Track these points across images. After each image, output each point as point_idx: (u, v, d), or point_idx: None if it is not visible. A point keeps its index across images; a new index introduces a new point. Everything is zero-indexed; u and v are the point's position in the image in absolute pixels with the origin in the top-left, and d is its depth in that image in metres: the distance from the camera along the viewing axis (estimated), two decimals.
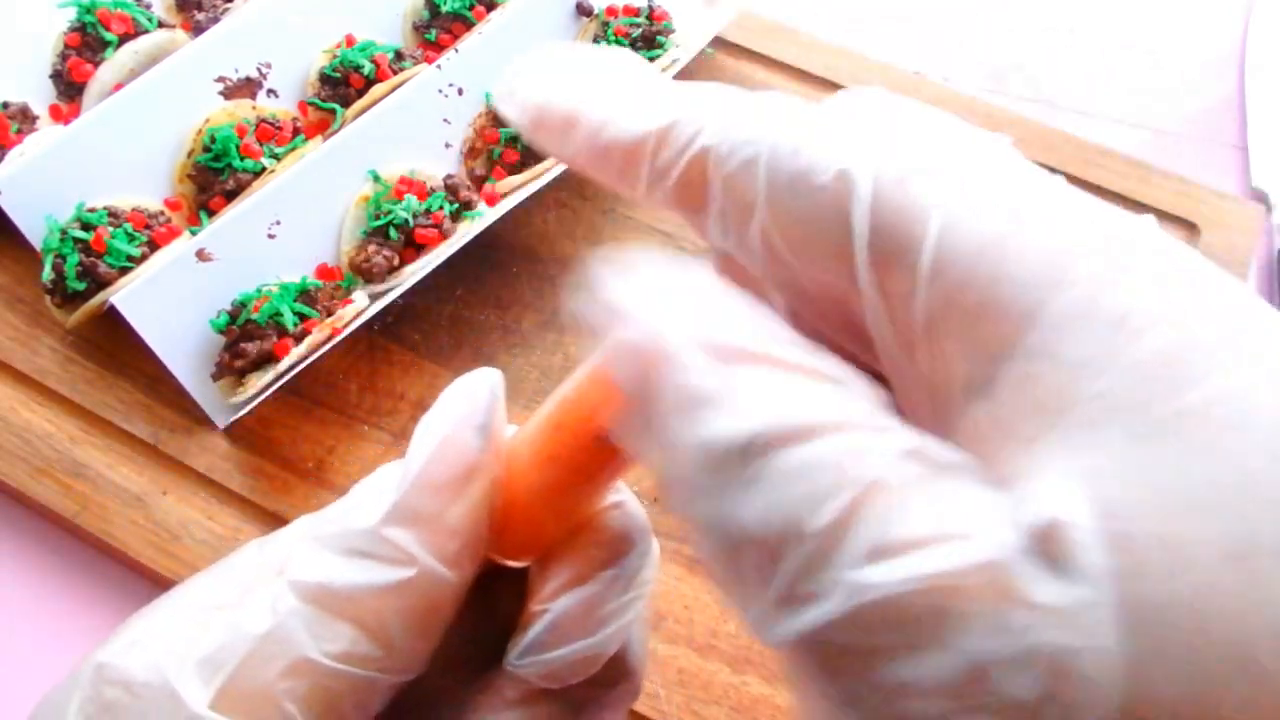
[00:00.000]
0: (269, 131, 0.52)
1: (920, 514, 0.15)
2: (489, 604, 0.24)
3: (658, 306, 0.17)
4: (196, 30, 0.55)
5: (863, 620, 0.15)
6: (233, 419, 0.47)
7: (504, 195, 0.53)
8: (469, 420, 0.22)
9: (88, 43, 0.54)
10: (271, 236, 0.49)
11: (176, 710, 0.21)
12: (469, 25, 0.56)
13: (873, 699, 0.15)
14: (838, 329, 0.19)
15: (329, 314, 0.48)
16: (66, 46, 0.54)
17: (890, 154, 0.17)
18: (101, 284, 0.48)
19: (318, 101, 0.54)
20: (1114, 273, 0.16)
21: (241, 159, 0.51)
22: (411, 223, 0.49)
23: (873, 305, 0.17)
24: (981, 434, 0.16)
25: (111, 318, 0.47)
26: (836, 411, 0.16)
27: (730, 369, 0.16)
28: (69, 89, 0.54)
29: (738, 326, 0.17)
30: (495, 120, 0.54)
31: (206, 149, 0.51)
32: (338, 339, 0.47)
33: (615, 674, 0.24)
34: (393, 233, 0.49)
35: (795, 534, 0.15)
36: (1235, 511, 0.14)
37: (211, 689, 0.21)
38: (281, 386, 0.47)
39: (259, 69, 0.54)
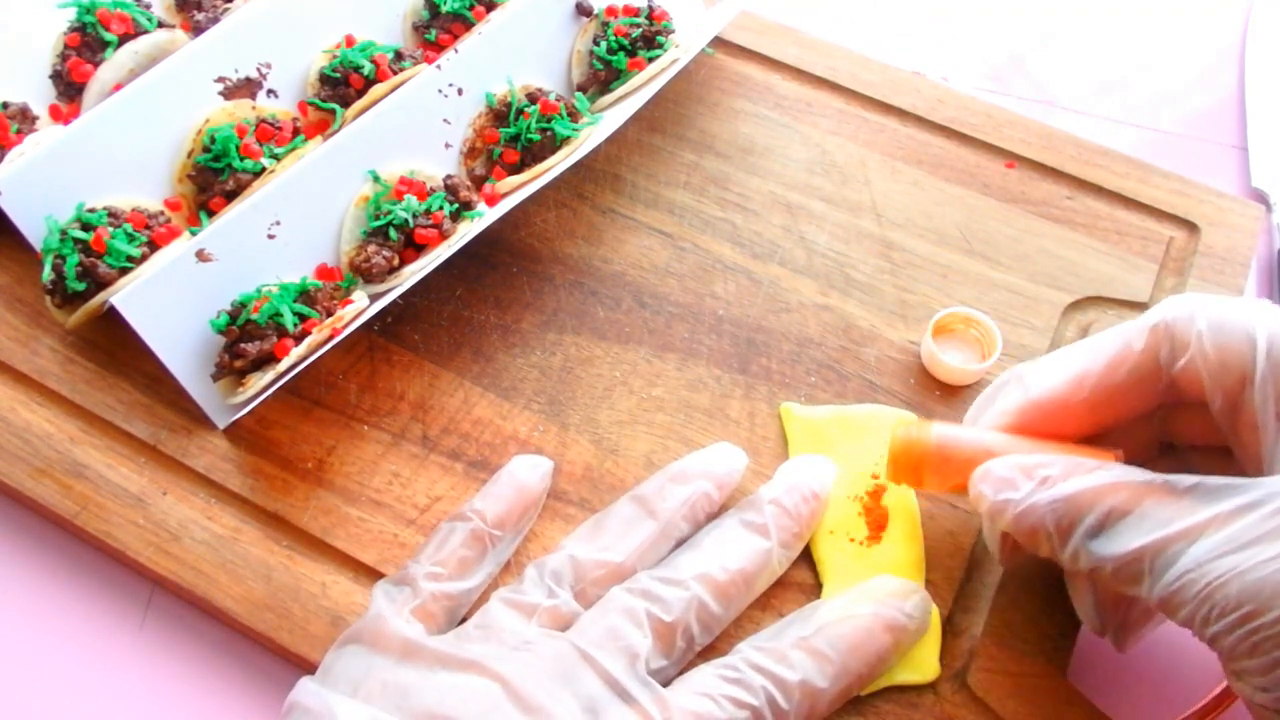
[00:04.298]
0: (269, 131, 0.52)
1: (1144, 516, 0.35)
2: None
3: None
4: (196, 30, 0.55)
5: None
6: (232, 419, 0.47)
7: (504, 195, 0.53)
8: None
9: (88, 43, 0.54)
10: (271, 237, 0.49)
11: None
12: (469, 25, 0.56)
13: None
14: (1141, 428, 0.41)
15: (329, 314, 0.48)
16: (66, 46, 0.54)
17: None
18: (101, 284, 0.48)
19: (318, 101, 0.54)
20: None
21: (241, 159, 0.51)
22: (411, 223, 0.49)
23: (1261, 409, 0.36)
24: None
25: (111, 318, 0.47)
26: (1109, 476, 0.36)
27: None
28: (69, 89, 0.54)
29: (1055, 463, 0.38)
30: (495, 120, 0.54)
31: (206, 149, 0.51)
32: (338, 339, 0.47)
33: None
34: (392, 233, 0.49)
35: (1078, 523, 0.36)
36: None
37: None
38: (281, 386, 0.47)
39: (259, 69, 0.54)
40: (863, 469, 0.46)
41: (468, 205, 0.52)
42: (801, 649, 0.39)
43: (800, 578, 0.44)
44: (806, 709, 0.38)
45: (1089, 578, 0.39)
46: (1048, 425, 0.40)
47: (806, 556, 0.44)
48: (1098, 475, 0.36)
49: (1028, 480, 0.37)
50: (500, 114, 0.54)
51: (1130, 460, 0.38)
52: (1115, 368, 0.38)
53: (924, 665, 0.41)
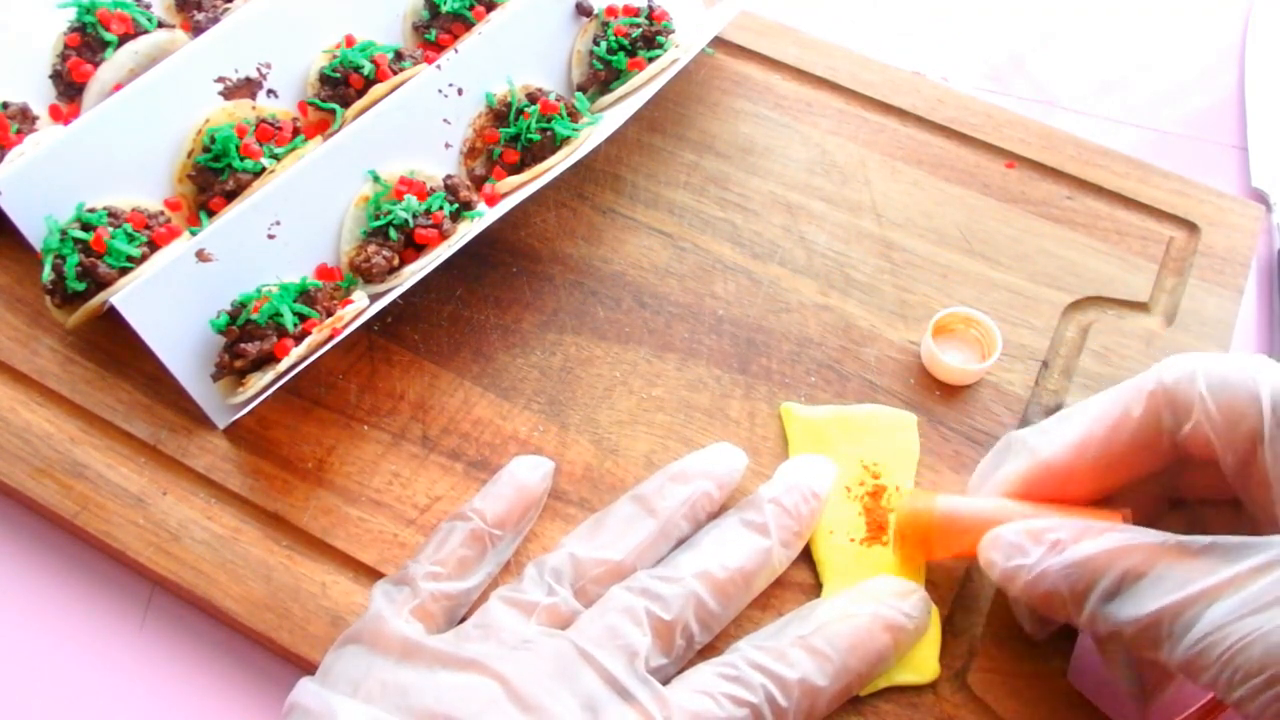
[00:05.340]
0: (269, 132, 0.52)
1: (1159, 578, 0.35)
2: None
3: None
4: (196, 30, 0.55)
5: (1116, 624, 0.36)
6: (232, 419, 0.47)
7: (504, 195, 0.53)
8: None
9: (88, 43, 0.54)
10: (271, 237, 0.49)
11: None
12: (469, 25, 0.56)
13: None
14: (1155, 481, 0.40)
15: (329, 314, 0.48)
16: (66, 46, 0.54)
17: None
18: (101, 284, 0.48)
19: (318, 101, 0.54)
20: None
21: (241, 159, 0.51)
22: (411, 223, 0.49)
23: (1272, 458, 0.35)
24: None
25: (111, 318, 0.47)
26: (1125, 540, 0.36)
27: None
28: (69, 89, 0.54)
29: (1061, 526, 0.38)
30: (495, 120, 0.54)
31: (206, 149, 0.51)
32: (338, 339, 0.47)
33: None
34: (392, 233, 0.49)
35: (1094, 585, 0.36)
36: None
37: None
38: (281, 386, 0.47)
39: (259, 69, 0.54)
40: (863, 469, 0.46)
41: (468, 205, 0.52)
42: (801, 647, 0.39)
43: (800, 578, 0.44)
44: (806, 707, 0.38)
45: (1118, 644, 0.38)
46: (1054, 490, 0.39)
47: (806, 556, 0.44)
48: (1109, 538, 0.36)
49: (1037, 545, 0.37)
50: (500, 114, 0.54)
51: (1140, 517, 0.38)
52: (1116, 434, 0.38)
53: (924, 666, 0.41)
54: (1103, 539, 0.36)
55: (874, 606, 0.40)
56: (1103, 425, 0.39)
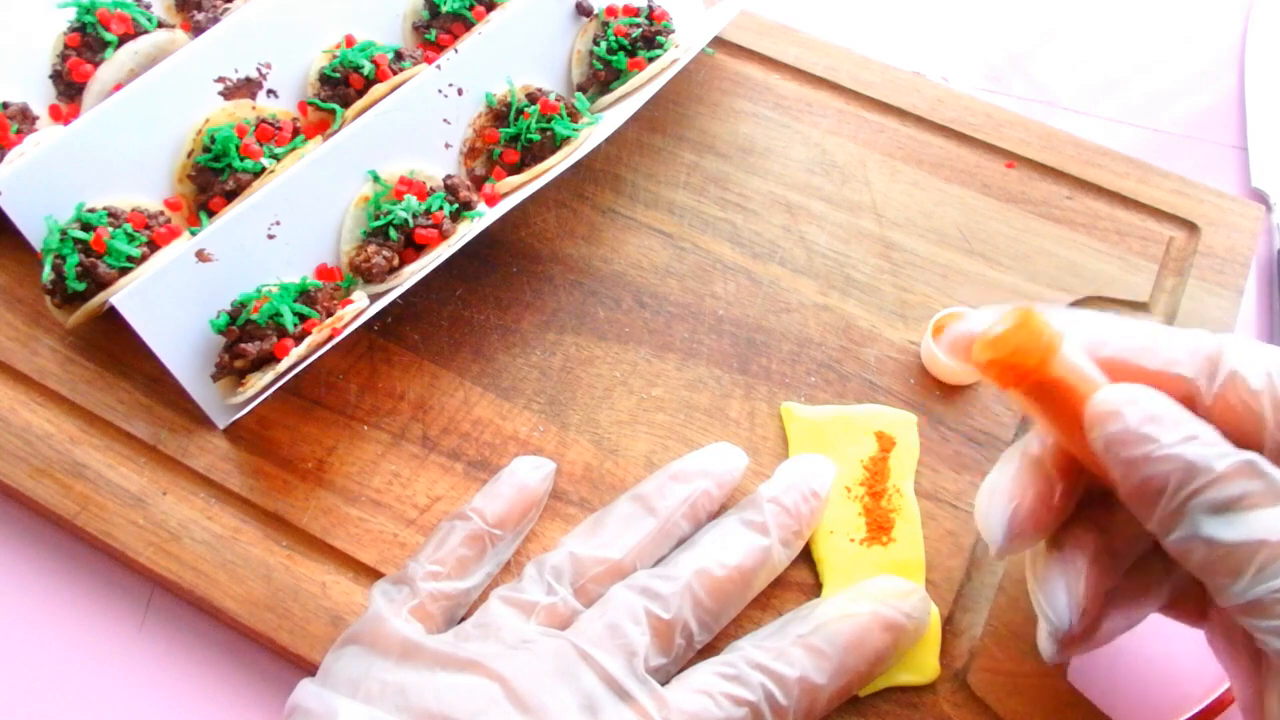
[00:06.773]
0: (269, 132, 0.52)
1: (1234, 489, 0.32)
2: None
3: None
4: (196, 30, 0.55)
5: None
6: (232, 419, 0.47)
7: (504, 195, 0.53)
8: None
9: (88, 43, 0.54)
10: (271, 237, 0.49)
11: None
12: (469, 25, 0.56)
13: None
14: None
15: (329, 314, 0.48)
16: (66, 46, 0.54)
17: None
18: (101, 284, 0.48)
19: (318, 101, 0.54)
20: None
21: (241, 159, 0.51)
22: (411, 223, 0.49)
23: None
24: None
25: (111, 318, 0.47)
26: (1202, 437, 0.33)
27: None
28: (69, 89, 0.54)
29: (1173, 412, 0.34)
30: (495, 120, 0.54)
31: (206, 149, 0.51)
32: (338, 339, 0.47)
33: None
34: (392, 233, 0.49)
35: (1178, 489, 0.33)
36: None
37: None
38: (281, 386, 0.47)
39: (259, 69, 0.54)
40: (863, 469, 0.46)
41: (468, 205, 0.52)
42: (800, 646, 0.39)
43: (800, 578, 0.44)
44: (805, 705, 0.38)
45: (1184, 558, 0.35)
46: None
47: (806, 556, 0.44)
48: (1244, 455, 0.33)
49: (1177, 429, 0.33)
50: (500, 114, 0.54)
51: None
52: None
53: (924, 666, 0.41)
54: (1236, 454, 0.33)
55: (873, 606, 0.40)
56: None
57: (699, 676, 0.38)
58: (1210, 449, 0.33)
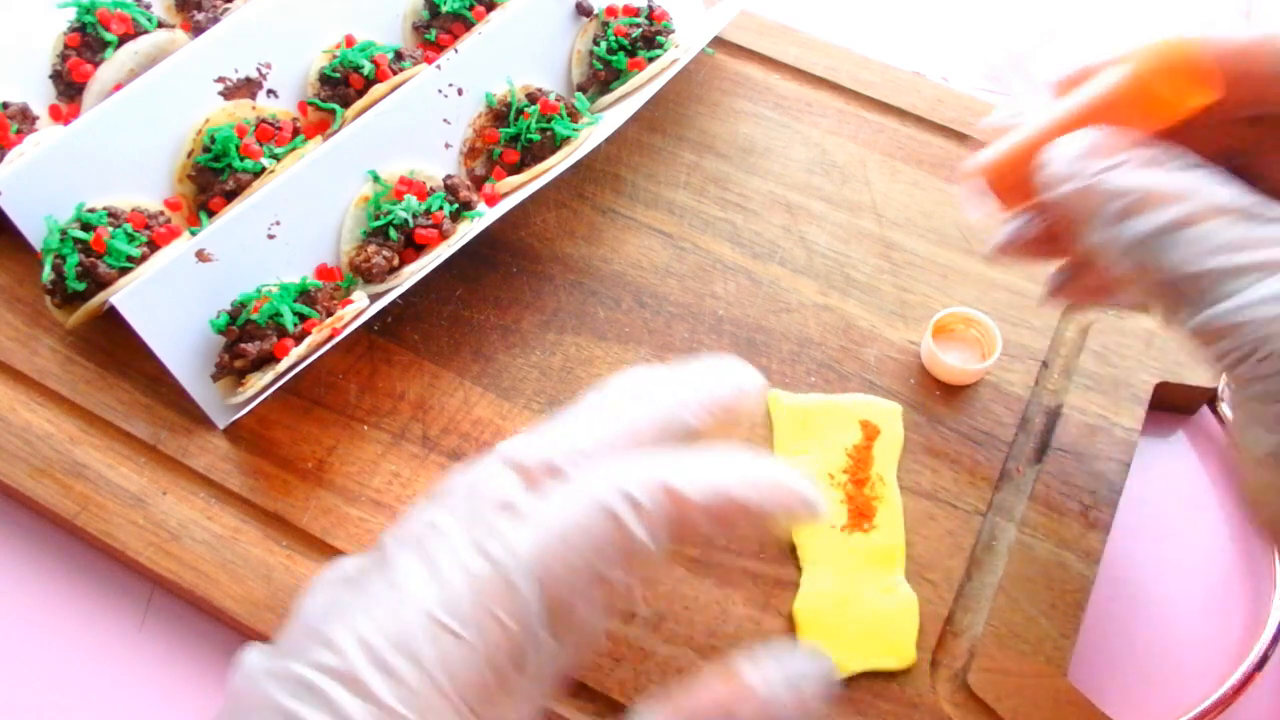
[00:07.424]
0: (269, 132, 0.52)
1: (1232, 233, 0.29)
2: None
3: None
4: (196, 30, 0.55)
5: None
6: (232, 419, 0.47)
7: (504, 195, 0.53)
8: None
9: (88, 43, 0.54)
10: (271, 237, 0.49)
11: None
12: (469, 25, 0.56)
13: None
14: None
15: (329, 314, 0.48)
16: (66, 46, 0.54)
17: None
18: (101, 284, 0.48)
19: (318, 101, 0.54)
20: None
21: (241, 159, 0.51)
22: (411, 223, 0.49)
23: None
24: None
25: (111, 318, 0.47)
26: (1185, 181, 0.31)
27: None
28: (69, 89, 0.54)
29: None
30: (495, 120, 0.54)
31: (206, 149, 0.51)
32: (338, 339, 0.47)
33: None
34: (392, 233, 0.49)
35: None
36: None
37: None
38: (281, 386, 0.47)
39: (259, 69, 0.54)
40: (846, 457, 0.46)
41: (468, 205, 0.52)
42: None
43: (781, 574, 0.44)
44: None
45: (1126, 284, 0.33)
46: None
47: (788, 546, 0.44)
48: (1184, 175, 0.31)
49: (1107, 158, 0.32)
50: (500, 114, 0.54)
51: None
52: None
53: (901, 651, 0.42)
54: (1177, 174, 0.31)
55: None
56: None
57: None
58: (1142, 175, 0.32)
